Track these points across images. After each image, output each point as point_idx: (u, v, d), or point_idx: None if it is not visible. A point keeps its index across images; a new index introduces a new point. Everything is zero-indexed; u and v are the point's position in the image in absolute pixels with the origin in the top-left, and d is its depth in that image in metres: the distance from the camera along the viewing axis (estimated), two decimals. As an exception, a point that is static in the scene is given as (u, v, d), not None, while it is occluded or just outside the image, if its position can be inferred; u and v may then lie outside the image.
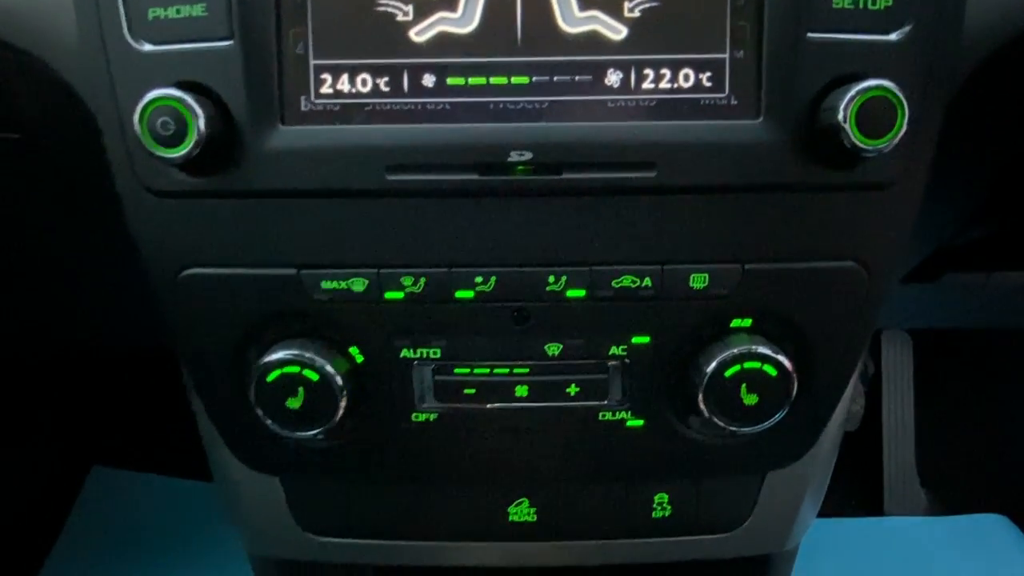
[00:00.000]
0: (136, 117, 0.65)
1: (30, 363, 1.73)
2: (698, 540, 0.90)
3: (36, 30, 0.72)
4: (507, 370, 0.76)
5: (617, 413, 0.78)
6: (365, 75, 0.68)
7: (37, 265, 1.12)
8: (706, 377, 0.73)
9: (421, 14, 0.67)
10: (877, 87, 0.63)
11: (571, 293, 0.73)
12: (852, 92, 0.63)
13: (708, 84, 0.68)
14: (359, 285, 0.73)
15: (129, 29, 0.68)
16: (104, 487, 1.83)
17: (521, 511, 0.87)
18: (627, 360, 0.76)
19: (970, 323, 1.74)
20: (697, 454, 0.81)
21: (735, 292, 0.73)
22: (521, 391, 0.77)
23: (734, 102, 0.68)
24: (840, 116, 0.63)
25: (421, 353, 0.76)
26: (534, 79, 0.68)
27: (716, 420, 0.74)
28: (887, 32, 0.67)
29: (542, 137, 0.68)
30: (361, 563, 0.95)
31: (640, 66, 0.68)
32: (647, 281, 0.73)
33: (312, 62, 0.68)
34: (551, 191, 0.70)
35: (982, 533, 1.75)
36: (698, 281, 0.73)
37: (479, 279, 0.73)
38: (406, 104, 0.69)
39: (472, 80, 0.68)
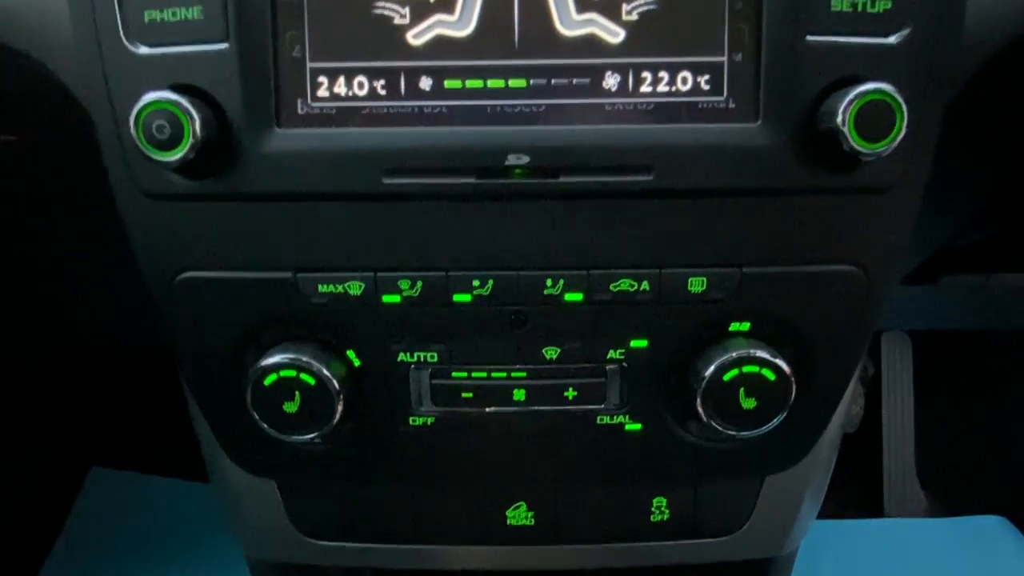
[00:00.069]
0: (132, 120, 0.64)
1: (29, 364, 1.73)
2: (696, 544, 0.90)
3: (33, 31, 0.72)
4: (505, 374, 0.76)
5: (615, 417, 0.78)
6: (362, 78, 0.68)
7: (36, 266, 1.12)
8: (704, 381, 0.73)
9: (418, 17, 0.67)
10: (876, 90, 0.63)
11: (569, 297, 0.73)
12: (851, 95, 0.63)
13: (706, 87, 0.68)
14: (356, 289, 0.73)
15: (125, 32, 0.67)
16: (103, 488, 1.83)
17: (519, 515, 0.87)
18: (625, 364, 0.76)
19: (970, 324, 1.74)
20: (695, 458, 0.81)
21: (733, 296, 0.73)
22: (519, 395, 0.76)
23: (732, 105, 0.68)
24: (839, 119, 0.63)
25: (418, 357, 0.76)
26: (531, 82, 0.68)
27: (714, 424, 0.74)
28: (886, 35, 0.66)
29: (539, 140, 0.68)
30: (358, 567, 0.95)
31: (638, 69, 0.68)
32: (645, 285, 0.72)
33: (309, 65, 0.68)
34: (548, 194, 0.70)
35: (982, 534, 1.74)
36: (696, 285, 0.72)
37: (476, 283, 0.73)
38: (403, 107, 0.69)
39: (469, 83, 0.68)
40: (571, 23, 0.67)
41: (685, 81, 0.68)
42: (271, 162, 0.68)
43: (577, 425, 0.78)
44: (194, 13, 0.66)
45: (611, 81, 0.68)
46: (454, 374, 0.77)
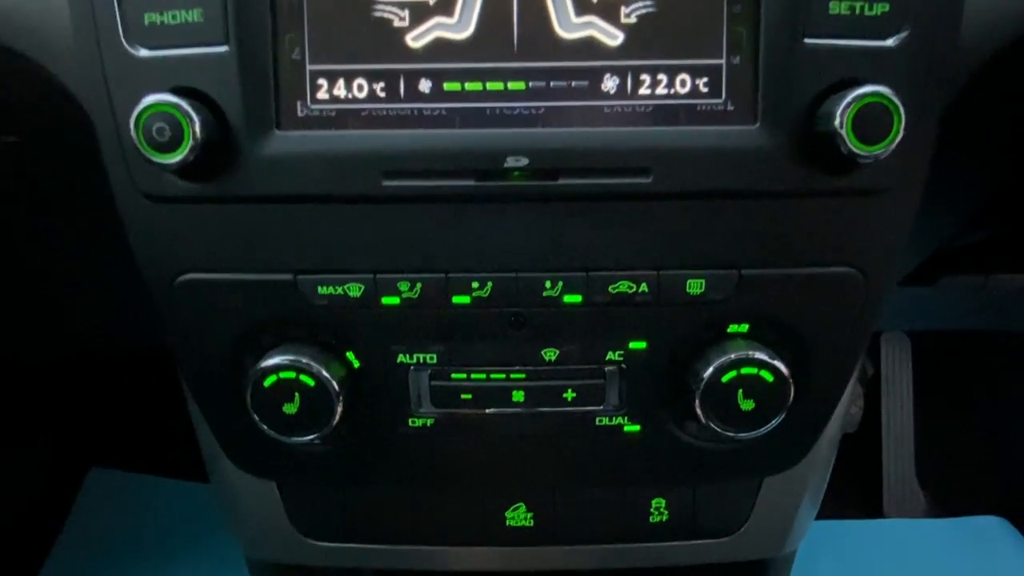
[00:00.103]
0: (132, 123, 0.65)
1: (29, 364, 1.73)
2: (695, 544, 0.90)
3: (33, 33, 0.72)
4: (504, 375, 0.76)
5: (614, 418, 0.78)
6: (361, 80, 0.68)
7: (36, 267, 1.12)
8: (703, 382, 0.73)
9: (417, 19, 0.67)
10: (874, 93, 0.63)
11: (568, 298, 0.73)
12: (849, 98, 0.63)
13: (705, 90, 0.68)
14: (356, 290, 0.73)
15: (125, 34, 0.67)
16: (103, 488, 1.83)
17: (518, 516, 0.87)
18: (624, 365, 0.76)
19: (969, 325, 1.74)
20: (694, 459, 0.81)
21: (732, 297, 0.73)
22: (518, 396, 0.77)
23: (731, 108, 0.68)
24: (837, 122, 0.63)
25: (418, 358, 0.76)
26: (530, 84, 0.68)
27: (713, 425, 0.74)
28: (884, 38, 0.67)
29: (538, 143, 0.68)
30: (357, 567, 0.95)
31: (637, 72, 0.68)
32: (644, 286, 0.73)
33: (308, 67, 0.68)
34: (548, 196, 0.70)
35: (981, 535, 1.75)
36: (695, 287, 0.73)
37: (476, 284, 0.73)
38: (402, 109, 0.69)
39: (468, 85, 0.68)
40: (570, 26, 0.67)
41: (684, 83, 0.68)
42: (271, 164, 0.68)
43: (576, 426, 0.78)
44: (194, 16, 0.67)
45: (610, 83, 0.68)
46: (453, 375, 0.77)
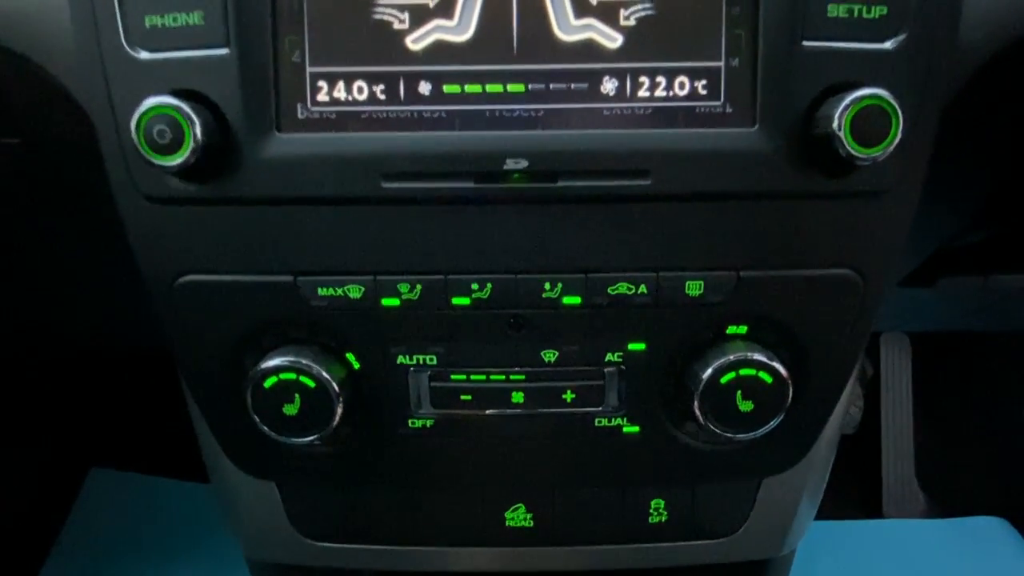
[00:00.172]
0: (133, 125, 0.65)
1: (30, 364, 1.73)
2: (694, 545, 0.90)
3: (33, 34, 0.72)
4: (503, 377, 0.77)
5: (613, 419, 0.78)
6: (361, 83, 0.69)
7: (37, 267, 1.12)
8: (702, 384, 0.73)
9: (417, 22, 0.68)
10: (872, 96, 0.63)
11: (567, 300, 0.73)
12: (847, 100, 0.63)
13: (703, 92, 0.68)
14: (356, 292, 0.73)
15: (126, 36, 0.68)
16: (102, 489, 1.83)
17: (518, 516, 0.87)
18: (623, 367, 0.76)
19: (969, 325, 1.74)
20: (693, 460, 0.82)
21: (730, 299, 0.73)
22: (517, 398, 0.77)
23: (729, 110, 0.68)
24: (835, 124, 0.63)
25: (417, 359, 0.76)
26: (530, 87, 0.68)
27: (712, 426, 0.74)
28: (882, 40, 0.67)
29: (538, 145, 0.68)
30: (357, 568, 0.95)
31: (636, 74, 0.68)
32: (643, 288, 0.73)
33: (308, 70, 0.68)
34: (547, 199, 0.70)
35: (981, 535, 1.75)
36: (693, 288, 0.73)
37: (475, 286, 0.73)
38: (402, 112, 0.69)
39: (468, 88, 0.68)
40: (569, 28, 0.68)
41: (682, 86, 0.68)
42: (271, 166, 0.69)
43: (575, 427, 0.79)
44: (195, 18, 0.67)
45: (609, 86, 0.68)
46: (453, 376, 0.77)
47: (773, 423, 0.74)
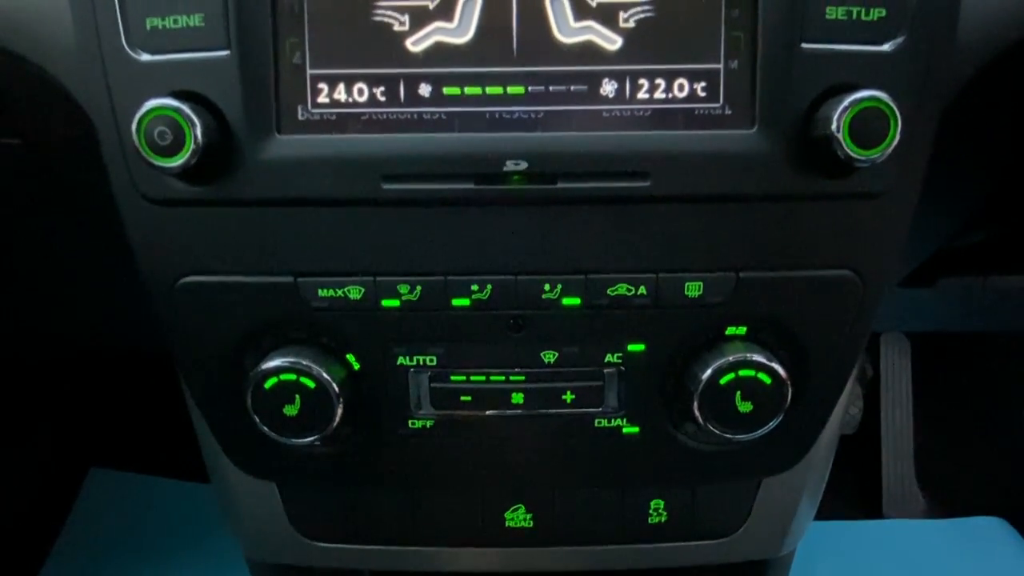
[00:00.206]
0: (134, 126, 0.65)
1: (30, 364, 1.73)
2: (694, 546, 0.90)
3: (34, 35, 0.72)
4: (503, 377, 0.77)
5: (613, 420, 0.79)
6: (361, 84, 0.69)
7: (37, 268, 1.12)
8: (701, 385, 0.73)
9: (417, 24, 0.68)
10: (870, 97, 0.64)
11: (567, 301, 0.74)
12: (845, 102, 0.64)
13: (703, 94, 0.68)
14: (356, 293, 0.73)
15: (127, 38, 0.68)
16: (102, 489, 1.83)
17: (517, 517, 0.87)
18: (623, 367, 0.77)
19: (968, 326, 1.74)
20: (692, 461, 0.82)
21: (730, 300, 0.74)
22: (517, 398, 0.77)
23: (728, 112, 0.68)
24: (833, 126, 0.64)
25: (418, 360, 0.76)
26: (530, 89, 0.68)
27: (711, 427, 0.74)
28: (880, 43, 0.67)
29: (538, 147, 0.68)
30: (357, 568, 0.95)
31: (635, 76, 0.68)
32: (642, 289, 0.73)
33: (309, 72, 0.68)
34: (547, 200, 0.70)
35: (980, 536, 1.75)
36: (693, 289, 0.73)
37: (475, 287, 0.73)
38: (402, 113, 0.69)
39: (468, 90, 0.68)
40: (569, 30, 0.68)
41: (682, 88, 0.68)
42: (271, 168, 0.69)
43: (575, 428, 0.79)
44: (195, 20, 0.67)
45: (608, 88, 0.69)
46: (453, 377, 0.77)
47: (772, 424, 0.74)
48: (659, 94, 0.68)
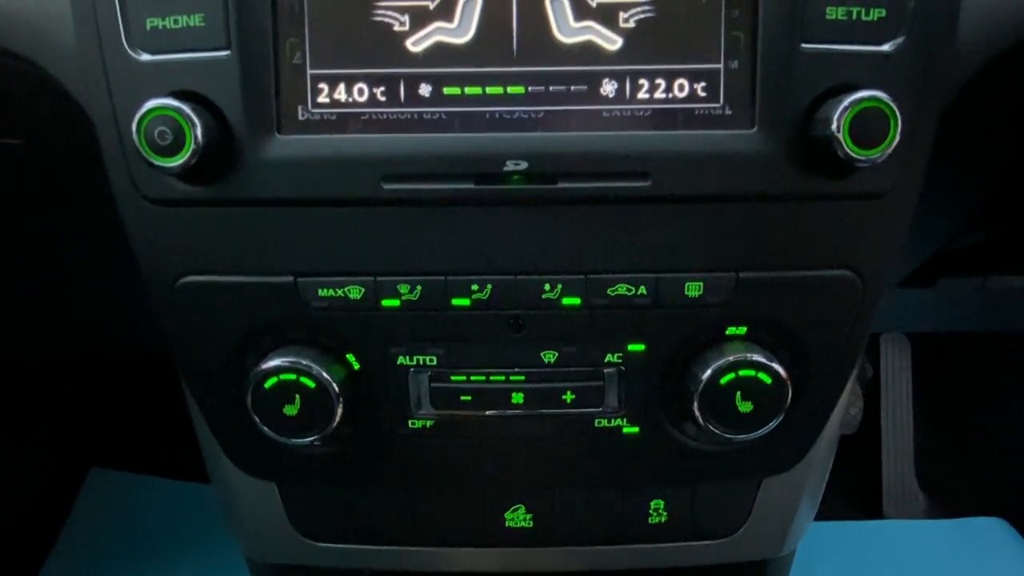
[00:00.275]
0: (134, 126, 0.65)
1: (30, 365, 1.73)
2: (694, 546, 0.90)
3: (34, 36, 0.72)
4: (503, 377, 0.77)
5: (613, 420, 0.79)
6: (362, 84, 0.69)
7: (38, 268, 1.12)
8: (701, 384, 0.73)
9: (417, 24, 0.68)
10: (870, 98, 0.64)
11: (567, 301, 0.74)
12: (846, 103, 0.64)
13: (703, 94, 0.68)
14: (356, 293, 0.73)
15: (127, 38, 0.68)
16: (102, 489, 1.83)
17: (517, 517, 0.87)
18: (623, 367, 0.77)
19: (968, 326, 1.74)
20: (692, 460, 0.82)
21: (730, 300, 0.74)
22: (517, 398, 0.77)
23: (728, 112, 0.68)
24: (834, 126, 0.64)
25: (418, 360, 0.76)
26: (530, 89, 0.68)
27: (711, 427, 0.74)
28: (880, 43, 0.67)
29: (538, 147, 0.68)
30: (358, 568, 0.95)
31: (635, 76, 0.68)
32: (642, 289, 0.73)
33: (309, 72, 0.68)
34: (547, 200, 0.70)
35: (981, 536, 1.74)
36: (693, 289, 0.73)
37: (475, 287, 0.73)
38: (402, 113, 0.69)
39: (468, 90, 0.69)
40: (569, 30, 0.68)
41: (682, 88, 0.68)
42: (272, 168, 0.69)
43: (575, 428, 0.79)
44: (195, 20, 0.67)
45: (608, 88, 0.69)
46: (453, 377, 0.77)
47: (772, 424, 0.75)
48: (659, 94, 0.69)
